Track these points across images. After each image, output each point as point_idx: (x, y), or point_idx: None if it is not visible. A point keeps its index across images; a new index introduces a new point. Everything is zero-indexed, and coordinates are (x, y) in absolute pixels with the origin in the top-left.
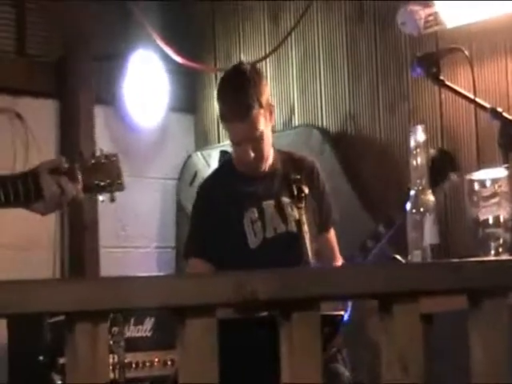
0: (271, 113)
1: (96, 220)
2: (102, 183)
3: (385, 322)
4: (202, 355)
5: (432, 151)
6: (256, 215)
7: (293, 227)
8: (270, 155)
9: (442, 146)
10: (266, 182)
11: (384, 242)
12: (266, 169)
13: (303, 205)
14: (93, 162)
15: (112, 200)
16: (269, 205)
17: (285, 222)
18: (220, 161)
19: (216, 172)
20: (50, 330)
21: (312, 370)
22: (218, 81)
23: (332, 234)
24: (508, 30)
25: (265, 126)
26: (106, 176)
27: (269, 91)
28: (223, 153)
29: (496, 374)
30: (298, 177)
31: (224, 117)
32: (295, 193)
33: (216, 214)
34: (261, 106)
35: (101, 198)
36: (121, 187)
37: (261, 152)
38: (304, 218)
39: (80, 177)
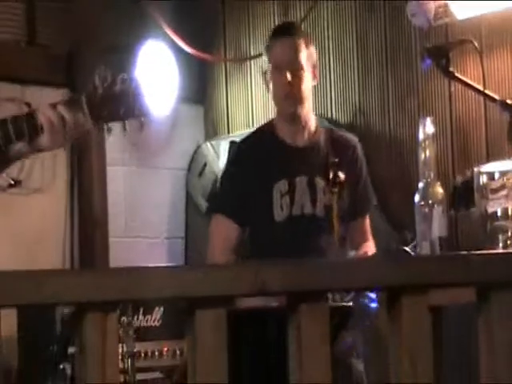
0: (314, 70)
1: (106, 210)
2: (116, 110)
3: (393, 315)
4: (212, 346)
5: (459, 178)
6: (286, 188)
7: (321, 212)
8: (310, 118)
9: (451, 141)
10: (303, 156)
11: None
12: (306, 139)
13: (337, 190)
14: (103, 89)
15: (124, 129)
16: (302, 181)
17: (313, 205)
18: (229, 152)
19: (256, 133)
20: (61, 319)
21: (321, 361)
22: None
23: (365, 220)
24: None
25: (306, 65)
26: (117, 102)
27: (315, 56)
28: (233, 143)
29: (505, 365)
30: (336, 160)
31: (273, 35)
32: (330, 177)
33: (247, 178)
34: (307, 46)
35: (126, 127)
36: (139, 111)
37: (298, 87)
38: (335, 204)
39: (86, 106)
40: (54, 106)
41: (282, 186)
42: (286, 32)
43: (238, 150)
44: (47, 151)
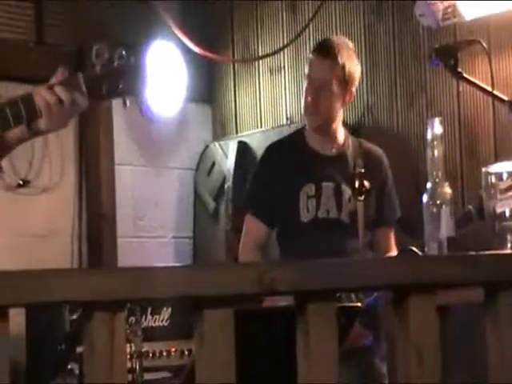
0: (347, 91)
1: (114, 209)
2: (115, 86)
3: (400, 315)
4: (220, 346)
5: (469, 206)
6: (313, 192)
7: (346, 217)
8: (338, 132)
9: (459, 140)
10: (331, 164)
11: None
12: (334, 149)
13: (362, 198)
14: (102, 65)
15: (124, 104)
16: (328, 187)
17: (339, 210)
18: (239, 154)
19: (287, 138)
20: (70, 318)
21: (328, 361)
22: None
23: (389, 230)
24: None
25: (336, 87)
26: (116, 78)
27: (358, 75)
28: (241, 143)
29: None
30: (363, 170)
31: (313, 49)
32: (356, 186)
33: (276, 180)
34: (343, 68)
35: (126, 102)
36: (138, 87)
37: (321, 106)
38: (360, 212)
39: (83, 85)
40: (51, 87)
41: (308, 189)
42: (321, 51)
43: (268, 153)
44: (47, 133)
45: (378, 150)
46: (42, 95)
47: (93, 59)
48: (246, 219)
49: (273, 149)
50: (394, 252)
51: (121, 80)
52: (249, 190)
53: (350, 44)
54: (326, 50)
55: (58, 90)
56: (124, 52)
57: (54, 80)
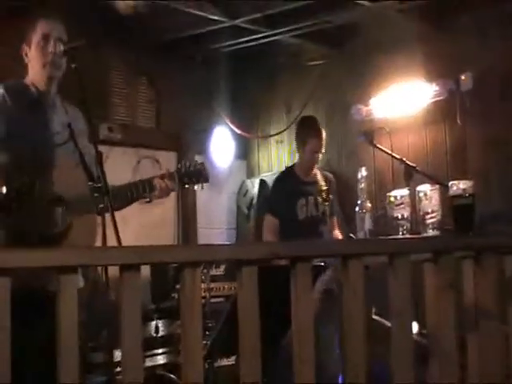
0: None
1: (195, 212)
2: (192, 180)
3: (345, 270)
4: (249, 285)
5: (378, 210)
6: (304, 202)
7: (320, 214)
8: (314, 168)
9: (374, 178)
10: (310, 185)
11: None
12: (311, 177)
13: (328, 203)
14: (185, 169)
15: (201, 188)
16: (311, 199)
17: (317, 210)
18: (260, 186)
19: (285, 171)
20: (173, 270)
21: (307, 293)
22: (304, 119)
23: (334, 218)
24: (407, 121)
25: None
26: (193, 176)
27: None
28: (261, 180)
29: (407, 304)
30: (327, 187)
31: (314, 136)
32: (324, 197)
33: (283, 195)
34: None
35: (196, 187)
36: (205, 180)
37: (318, 161)
38: (327, 211)
39: (176, 178)
40: (162, 176)
41: (301, 201)
42: (321, 131)
43: (277, 180)
44: (155, 199)
45: (331, 176)
46: (158, 181)
47: (181, 166)
48: (266, 216)
49: (279, 178)
50: (337, 230)
51: (195, 177)
52: (268, 201)
53: None
54: (321, 130)
55: (166, 180)
56: (196, 161)
57: (163, 172)
